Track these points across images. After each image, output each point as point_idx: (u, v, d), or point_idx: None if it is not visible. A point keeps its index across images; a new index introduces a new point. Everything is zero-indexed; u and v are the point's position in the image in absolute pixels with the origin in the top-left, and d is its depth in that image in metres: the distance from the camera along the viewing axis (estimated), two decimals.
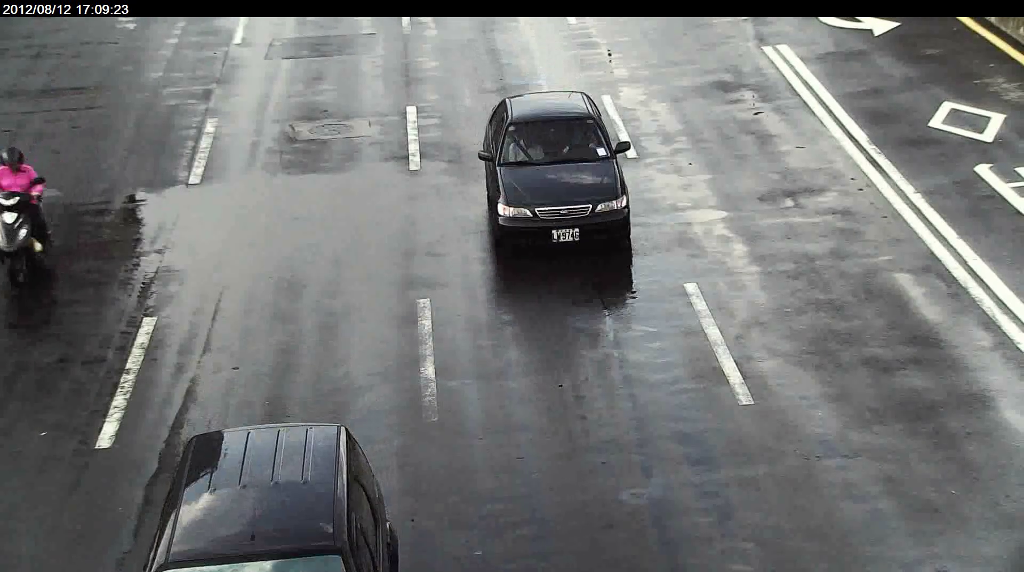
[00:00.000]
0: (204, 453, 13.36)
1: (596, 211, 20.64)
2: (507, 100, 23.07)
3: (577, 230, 20.60)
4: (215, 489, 12.68)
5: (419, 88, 28.59)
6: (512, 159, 21.59)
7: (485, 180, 22.53)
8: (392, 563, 13.71)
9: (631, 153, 24.77)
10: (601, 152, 21.68)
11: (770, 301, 19.67)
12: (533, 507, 15.54)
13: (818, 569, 14.36)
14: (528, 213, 20.66)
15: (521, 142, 21.83)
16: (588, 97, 23.17)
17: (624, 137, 25.45)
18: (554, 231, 20.60)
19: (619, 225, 20.84)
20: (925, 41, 29.50)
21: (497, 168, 21.45)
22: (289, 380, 18.27)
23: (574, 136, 22.01)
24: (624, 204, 20.82)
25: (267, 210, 23.43)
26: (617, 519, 15.29)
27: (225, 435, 13.71)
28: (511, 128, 21.94)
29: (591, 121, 22.13)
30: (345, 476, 12.81)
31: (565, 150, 21.86)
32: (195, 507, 12.47)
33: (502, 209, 20.77)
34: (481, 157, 22.10)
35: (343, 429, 13.59)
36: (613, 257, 21.06)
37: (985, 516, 14.98)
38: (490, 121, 23.36)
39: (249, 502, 12.46)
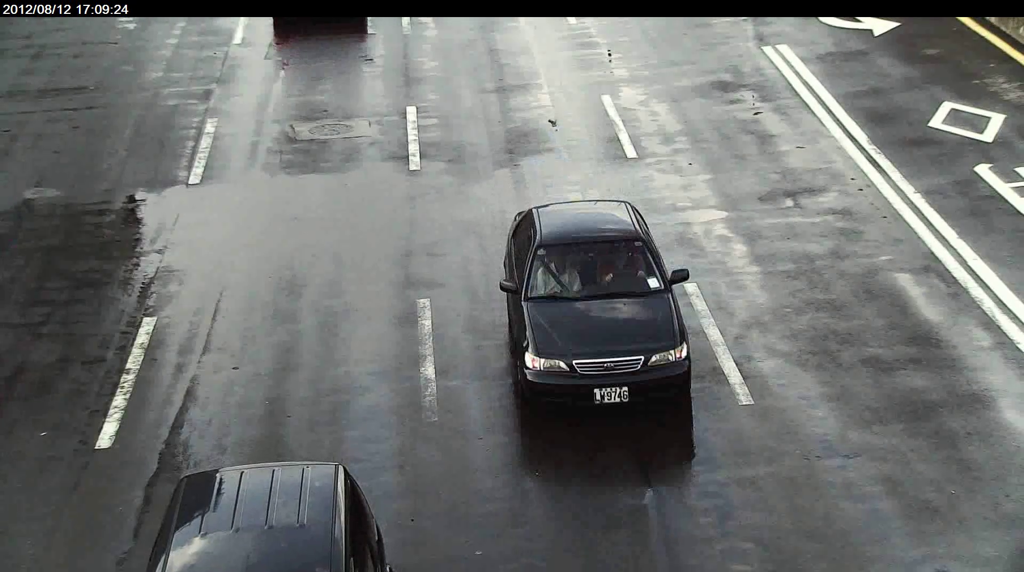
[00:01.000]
0: (195, 494, 12.78)
1: (650, 364, 16.71)
2: (534, 212, 19.00)
3: (626, 389, 16.65)
4: (206, 532, 12.12)
5: (419, 88, 28.59)
6: (542, 292, 17.66)
7: (508, 315, 18.73)
8: None
9: (631, 153, 24.77)
10: (653, 283, 17.71)
11: (770, 301, 19.67)
12: (533, 507, 15.54)
13: (818, 569, 14.36)
14: (563, 366, 16.69)
15: (553, 268, 17.91)
16: (633, 208, 19.20)
17: (625, 138, 25.47)
18: (596, 390, 16.65)
19: (678, 381, 16.87)
20: (925, 41, 29.51)
21: (523, 304, 17.52)
22: (289, 380, 18.27)
23: (619, 261, 18.07)
24: (684, 354, 16.85)
25: (267, 210, 23.42)
26: (617, 519, 15.29)
27: (217, 475, 13.18)
28: (540, 251, 17.94)
29: (639, 243, 18.08)
30: (344, 518, 12.28)
31: (608, 279, 17.89)
32: (185, 552, 11.88)
33: (531, 361, 16.79)
34: (503, 288, 18.02)
35: (341, 468, 13.13)
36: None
37: (985, 516, 14.99)
38: (512, 235, 19.36)
39: (242, 546, 11.89)
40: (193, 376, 18.47)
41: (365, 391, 17.97)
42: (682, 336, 16.99)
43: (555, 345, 16.88)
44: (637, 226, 18.46)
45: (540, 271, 17.83)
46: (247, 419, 17.43)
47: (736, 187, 23.29)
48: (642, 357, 16.72)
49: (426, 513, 15.51)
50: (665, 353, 16.79)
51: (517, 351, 17.40)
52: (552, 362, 16.74)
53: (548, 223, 18.49)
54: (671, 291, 17.68)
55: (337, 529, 12.10)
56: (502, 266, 19.77)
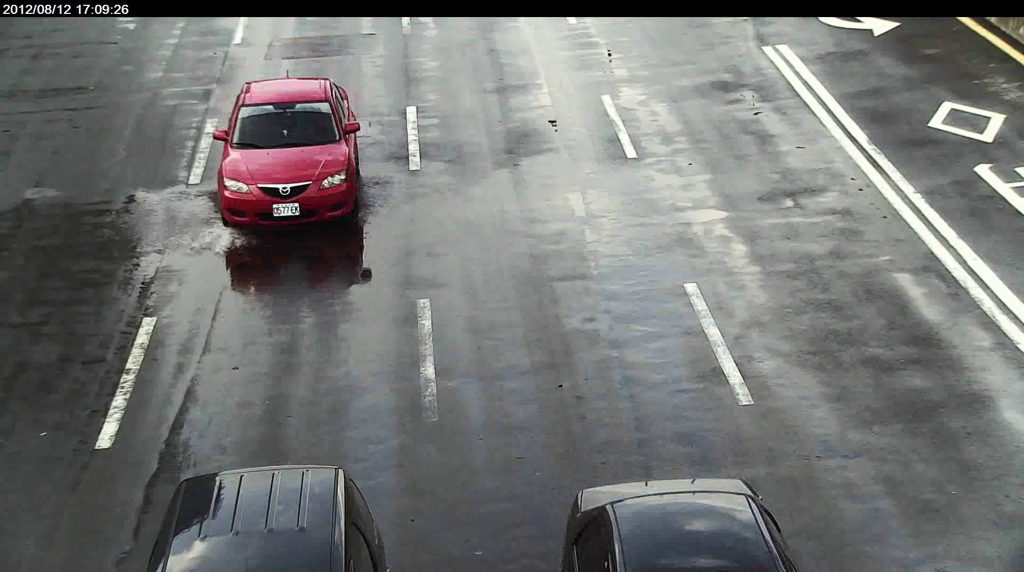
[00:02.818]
0: (194, 498, 12.69)
1: None
2: (610, 514, 12.05)
3: None
4: (206, 536, 12.02)
5: (419, 88, 28.59)
6: None
7: None
8: None
9: (631, 153, 24.76)
10: None
11: (770, 301, 19.67)
12: (533, 507, 15.53)
13: (818, 569, 14.36)
14: None
15: None
16: (756, 503, 12.37)
17: (625, 138, 25.44)
18: None
19: None
20: (925, 41, 29.52)
21: None
22: (289, 380, 18.27)
23: None
24: None
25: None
26: None
27: (217, 478, 13.10)
28: None
29: None
30: (343, 522, 12.21)
31: None
32: (184, 556, 11.80)
33: None
34: None
35: (341, 472, 13.07)
36: None
37: (985, 516, 14.99)
38: (574, 542, 12.52)
39: (242, 551, 11.80)
40: (193, 376, 18.47)
41: (365, 391, 17.97)
42: None
43: None
44: (771, 545, 11.64)
45: None
46: (247, 419, 17.43)
47: (736, 187, 23.29)
48: None
49: (426, 513, 15.51)
50: None
51: None
52: None
53: (634, 542, 11.49)
54: None
55: (337, 533, 12.06)
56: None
